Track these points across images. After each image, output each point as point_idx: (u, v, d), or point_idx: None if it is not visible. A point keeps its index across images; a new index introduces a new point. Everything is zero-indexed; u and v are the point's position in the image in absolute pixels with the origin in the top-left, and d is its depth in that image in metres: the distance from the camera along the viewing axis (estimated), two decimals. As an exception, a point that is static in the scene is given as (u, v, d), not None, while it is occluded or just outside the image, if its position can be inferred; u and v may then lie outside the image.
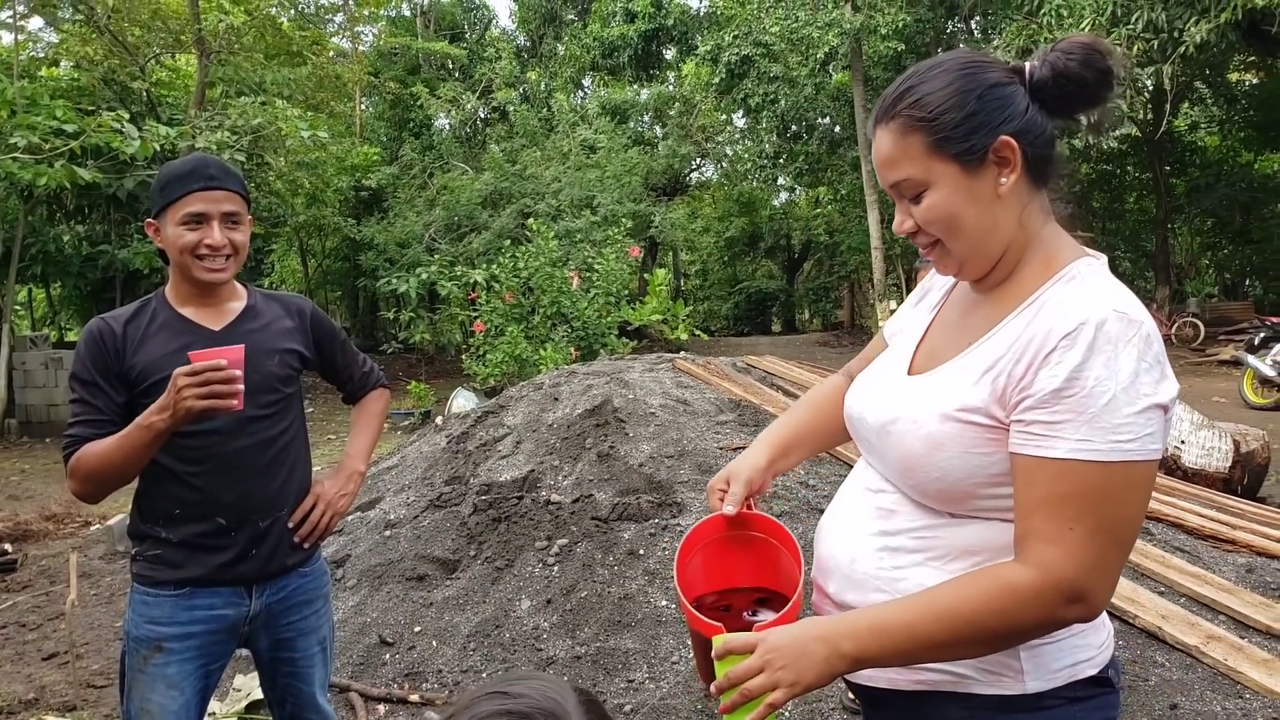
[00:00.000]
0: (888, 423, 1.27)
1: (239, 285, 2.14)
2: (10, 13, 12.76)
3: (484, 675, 3.57)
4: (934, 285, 1.44)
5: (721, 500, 1.45)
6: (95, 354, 1.96)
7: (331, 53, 18.21)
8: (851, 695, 3.16)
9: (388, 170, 17.89)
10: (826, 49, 15.63)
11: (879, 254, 17.50)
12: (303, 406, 2.20)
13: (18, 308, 18.83)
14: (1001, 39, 14.33)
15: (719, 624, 1.22)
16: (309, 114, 13.99)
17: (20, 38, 13.15)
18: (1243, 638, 3.33)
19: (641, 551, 4.03)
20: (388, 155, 18.86)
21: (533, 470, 4.79)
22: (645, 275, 15.51)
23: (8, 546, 6.46)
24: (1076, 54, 1.17)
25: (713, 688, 1.17)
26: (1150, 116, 16.65)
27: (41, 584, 5.68)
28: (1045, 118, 1.20)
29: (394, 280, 13.75)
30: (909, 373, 1.32)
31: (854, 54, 16.46)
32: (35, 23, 14.85)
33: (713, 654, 1.16)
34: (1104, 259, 1.23)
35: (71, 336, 21.34)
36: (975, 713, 1.21)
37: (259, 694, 3.69)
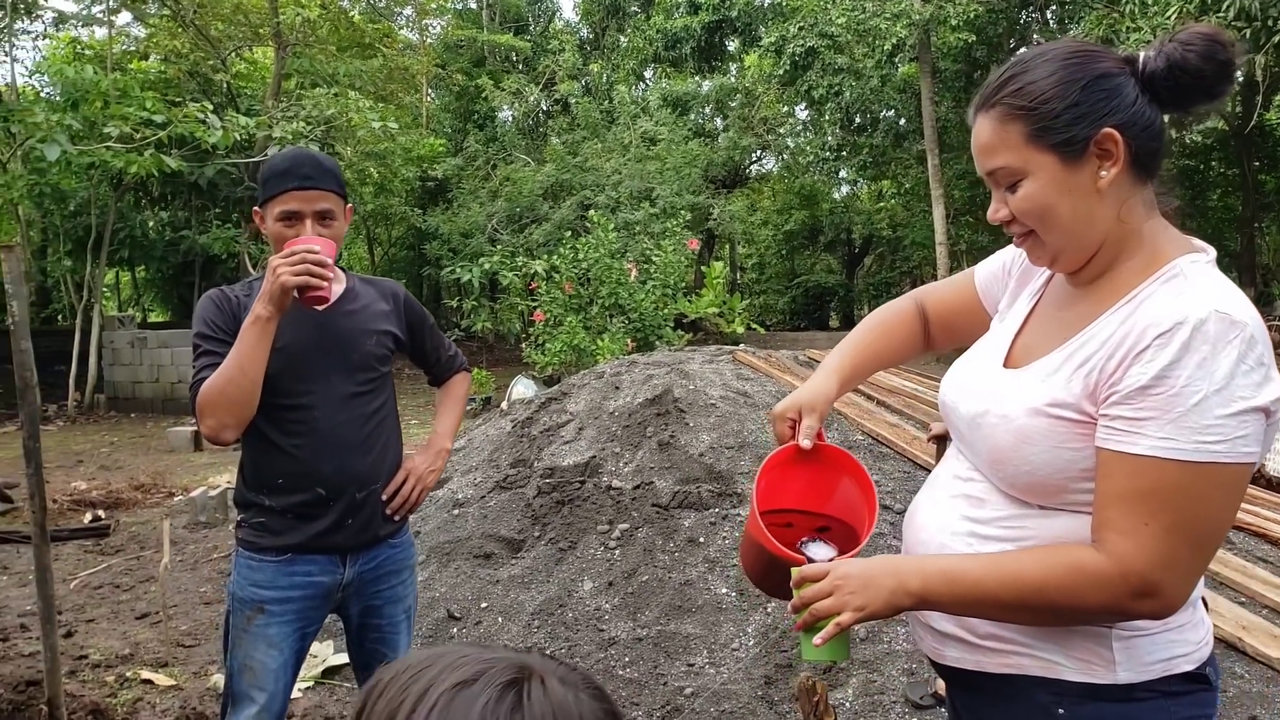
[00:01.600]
0: (979, 414, 1.29)
1: (339, 270, 2.28)
2: (102, 7, 13.34)
3: (547, 652, 3.74)
4: (1030, 276, 1.42)
5: (790, 430, 1.47)
6: (216, 312, 2.11)
7: (400, 45, 18.61)
8: (919, 694, 3.22)
9: (452, 161, 18.21)
10: (894, 40, 15.45)
11: (943, 249, 17.29)
12: (394, 387, 2.36)
13: (105, 290, 19.65)
14: (1080, 29, 14.01)
15: (799, 556, 1.35)
16: (379, 105, 14.35)
17: (112, 33, 13.74)
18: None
19: (702, 539, 4.15)
20: (453, 147, 19.17)
21: (594, 456, 4.94)
22: (702, 268, 15.58)
23: (101, 513, 6.85)
24: (1196, 46, 1.14)
25: (789, 607, 1.30)
26: (1239, 109, 16.12)
27: (132, 549, 6.01)
28: (1155, 110, 1.18)
29: (457, 269, 14.05)
30: (1005, 365, 1.32)
31: (922, 45, 16.26)
32: (123, 17, 15.47)
33: (791, 582, 1.29)
34: (1211, 254, 1.21)
35: (154, 317, 22.14)
36: (1063, 699, 1.22)
37: (334, 660, 3.91)
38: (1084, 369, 1.17)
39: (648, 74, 23.14)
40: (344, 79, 15.04)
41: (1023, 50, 1.29)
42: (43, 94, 13.66)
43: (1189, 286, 1.13)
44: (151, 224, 14.61)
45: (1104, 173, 1.17)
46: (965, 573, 1.20)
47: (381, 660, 2.33)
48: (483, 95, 18.68)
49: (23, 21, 13.48)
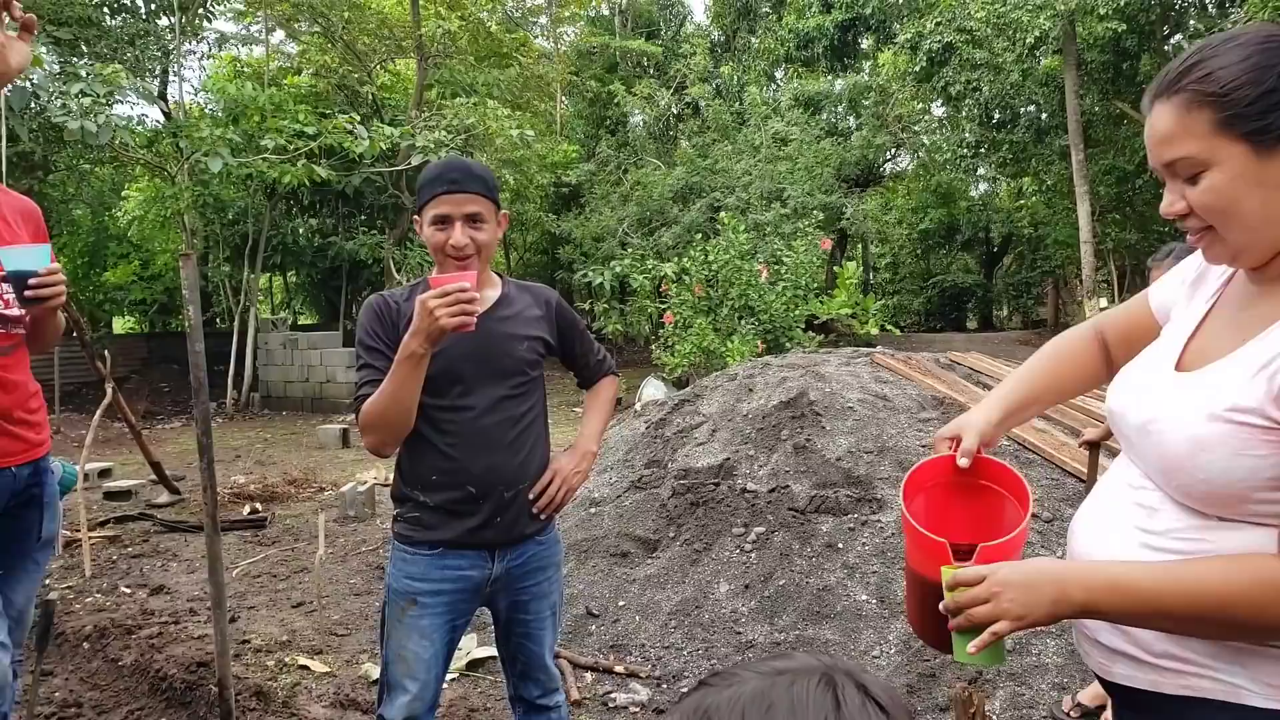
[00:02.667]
0: (1148, 421, 1.22)
1: (495, 275, 2.35)
2: (259, 27, 14.21)
3: (685, 652, 3.74)
4: (1210, 271, 1.36)
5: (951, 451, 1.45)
6: (377, 322, 2.20)
7: (536, 53, 19.05)
8: (1065, 708, 3.09)
9: (585, 167, 18.51)
10: (1037, 33, 14.80)
11: (1089, 248, 16.43)
12: (544, 390, 2.40)
13: (260, 294, 20.91)
14: (1244, 12, 13.08)
15: (947, 555, 1.27)
16: (515, 113, 14.74)
17: (269, 51, 14.64)
18: None
19: (840, 545, 4.07)
20: (585, 152, 19.50)
21: (728, 458, 4.91)
22: (834, 268, 15.32)
23: (259, 506, 7.26)
24: None
25: (941, 606, 1.23)
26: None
27: (287, 540, 6.34)
28: None
29: (589, 273, 14.26)
30: (1177, 368, 1.26)
31: (1067, 37, 15.51)
32: (277, 35, 16.46)
33: (944, 583, 1.23)
34: None
35: (304, 320, 23.39)
36: None
37: (479, 653, 4.02)
38: (1266, 371, 1.10)
39: (779, 74, 22.93)
40: (482, 88, 15.52)
41: (1210, 36, 1.20)
42: (206, 110, 14.63)
43: None
44: (302, 231, 15.44)
45: None
46: (1135, 583, 1.13)
47: (528, 655, 2.39)
48: (615, 101, 18.91)
49: (189, 43, 14.52)
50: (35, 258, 2.22)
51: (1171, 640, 1.17)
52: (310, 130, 11.69)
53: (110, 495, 7.67)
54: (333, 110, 13.63)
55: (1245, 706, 1.13)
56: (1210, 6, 16.97)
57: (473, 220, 2.15)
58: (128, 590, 5.13)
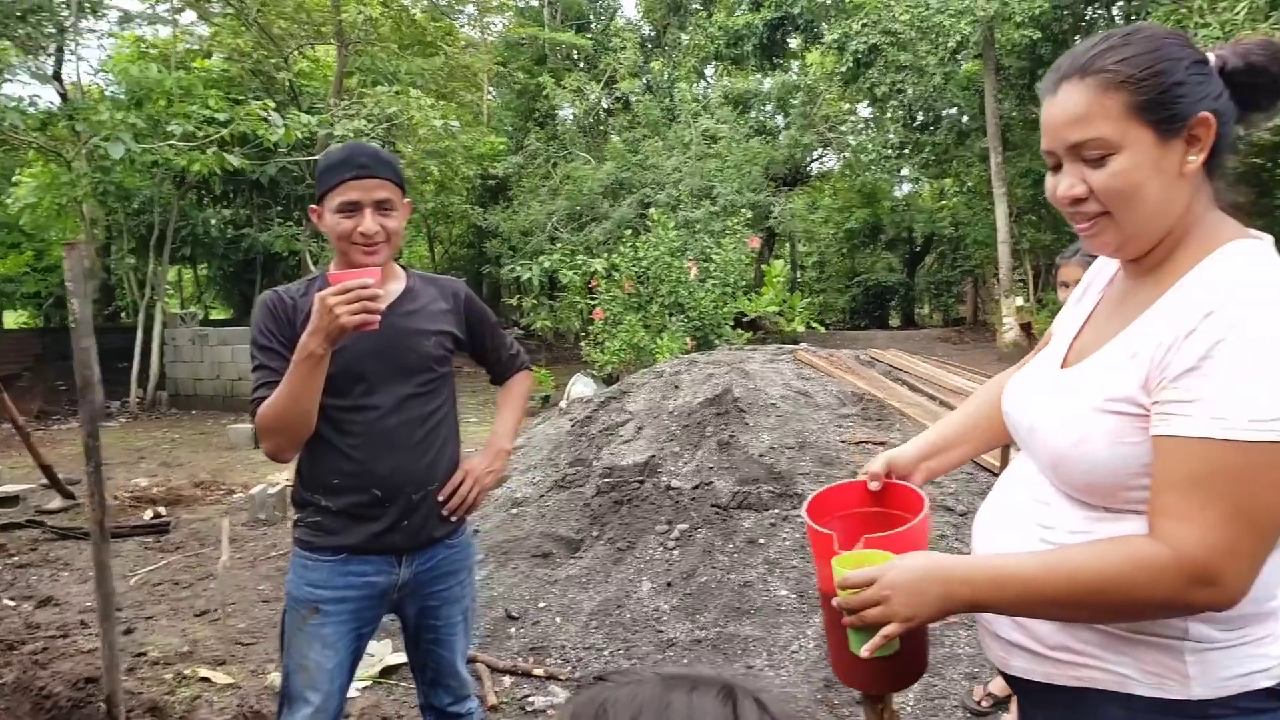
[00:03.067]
0: (1034, 419, 1.26)
1: (398, 267, 2.24)
2: (167, 6, 13.63)
3: (605, 653, 3.66)
4: (1095, 281, 1.40)
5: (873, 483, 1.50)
6: (271, 320, 2.09)
7: (462, 43, 18.72)
8: (976, 698, 3.13)
9: (513, 159, 18.28)
10: (958, 37, 15.13)
11: (1006, 248, 16.88)
12: (454, 387, 2.30)
13: (169, 287, 20.14)
14: (1148, 22, 13.59)
15: (834, 548, 1.29)
16: (440, 104, 14.44)
17: (176, 32, 14.04)
18: None
19: (762, 540, 4.04)
20: (513, 145, 19.25)
21: (653, 456, 4.86)
22: (762, 266, 15.41)
23: (162, 510, 6.94)
24: (1262, 51, 1.17)
25: (834, 603, 1.26)
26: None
27: (192, 546, 6.07)
28: (1232, 107, 1.17)
29: (517, 268, 14.08)
30: (1062, 366, 1.30)
31: (986, 42, 15.90)
32: (187, 16, 15.79)
33: (835, 582, 1.24)
34: (1268, 240, 1.18)
35: (216, 315, 22.63)
36: (1135, 714, 1.17)
37: (391, 660, 3.87)
38: (1137, 359, 1.14)
39: (709, 71, 23.00)
40: (405, 77, 15.17)
41: (1112, 28, 1.24)
42: (107, 93, 13.94)
43: (1237, 268, 1.12)
44: (214, 222, 14.88)
45: (1192, 158, 1.14)
46: (1015, 574, 1.16)
47: (438, 661, 2.31)
48: (544, 93, 18.69)
49: (88, 20, 13.75)
50: None
51: (1065, 632, 1.19)
52: (221, 117, 11.24)
53: (-6, 501, 7.23)
54: (246, 96, 13.14)
55: (1133, 696, 1.16)
56: (1119, 17, 17.58)
57: (382, 207, 2.06)
58: (11, 603, 4.83)
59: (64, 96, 13.82)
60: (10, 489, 7.40)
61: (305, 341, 1.89)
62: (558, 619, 3.90)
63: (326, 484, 2.12)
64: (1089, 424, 1.16)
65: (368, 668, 3.86)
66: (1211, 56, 1.18)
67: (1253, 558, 1.06)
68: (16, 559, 5.71)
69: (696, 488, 4.46)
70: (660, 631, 3.67)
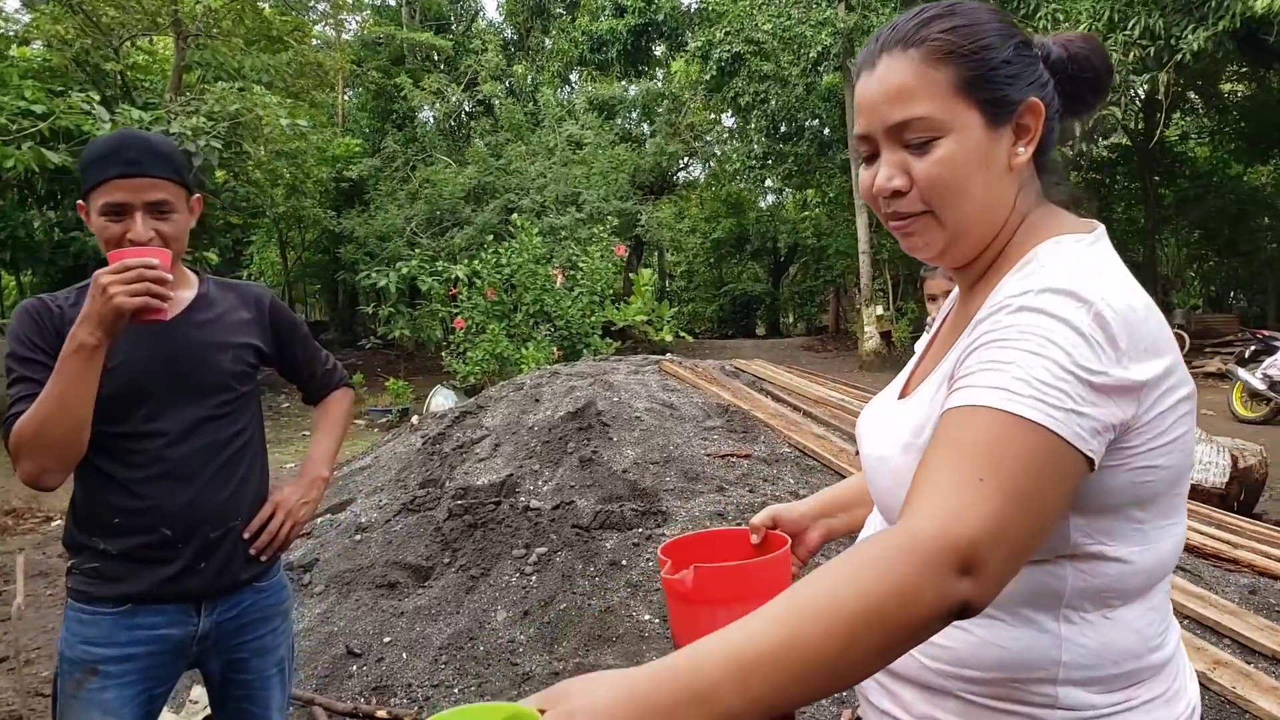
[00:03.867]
0: (868, 455, 1.12)
1: (189, 272, 1.95)
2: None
3: (456, 690, 3.39)
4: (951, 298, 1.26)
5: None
6: (35, 329, 1.77)
7: (314, 40, 17.88)
8: None
9: (369, 162, 17.63)
10: (819, 48, 15.51)
11: (866, 258, 17.39)
12: (259, 406, 2.01)
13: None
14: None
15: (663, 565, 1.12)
16: (289, 102, 13.70)
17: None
18: (1249, 663, 3.19)
19: (624, 562, 3.85)
20: (370, 147, 18.57)
21: (511, 474, 4.61)
22: (630, 275, 15.34)
23: (-37, 542, 6.21)
24: (1084, 44, 1.06)
25: None
26: (1142, 125, 16.64)
27: (-3, 582, 5.44)
28: (1057, 98, 1.05)
29: (373, 274, 13.52)
30: (900, 396, 1.15)
31: (846, 54, 16.36)
32: (10, 2, 14.49)
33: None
34: (1093, 234, 1.02)
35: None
36: None
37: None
38: (946, 384, 0.99)
39: (573, 77, 22.88)
40: (251, 73, 14.33)
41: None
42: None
43: (1037, 268, 0.97)
44: (38, 224, 13.59)
45: (1020, 149, 1.01)
46: (763, 648, 0.75)
47: (251, 720, 2.00)
48: (402, 94, 18.12)
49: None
50: None
51: (930, 702, 1.02)
52: (39, 109, 10.28)
53: None
54: (70, 88, 12.09)
55: None
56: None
57: (157, 209, 1.75)
58: None
59: None
60: None
61: (75, 332, 1.61)
62: (404, 654, 3.59)
63: (105, 524, 1.81)
64: (904, 464, 1.01)
65: (192, 715, 3.47)
66: (1037, 41, 1.05)
67: (1018, 552, 0.83)
68: None
69: (556, 508, 4.23)
70: (515, 665, 3.42)
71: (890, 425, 1.09)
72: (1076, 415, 0.85)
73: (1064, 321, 0.88)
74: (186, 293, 1.90)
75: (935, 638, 0.86)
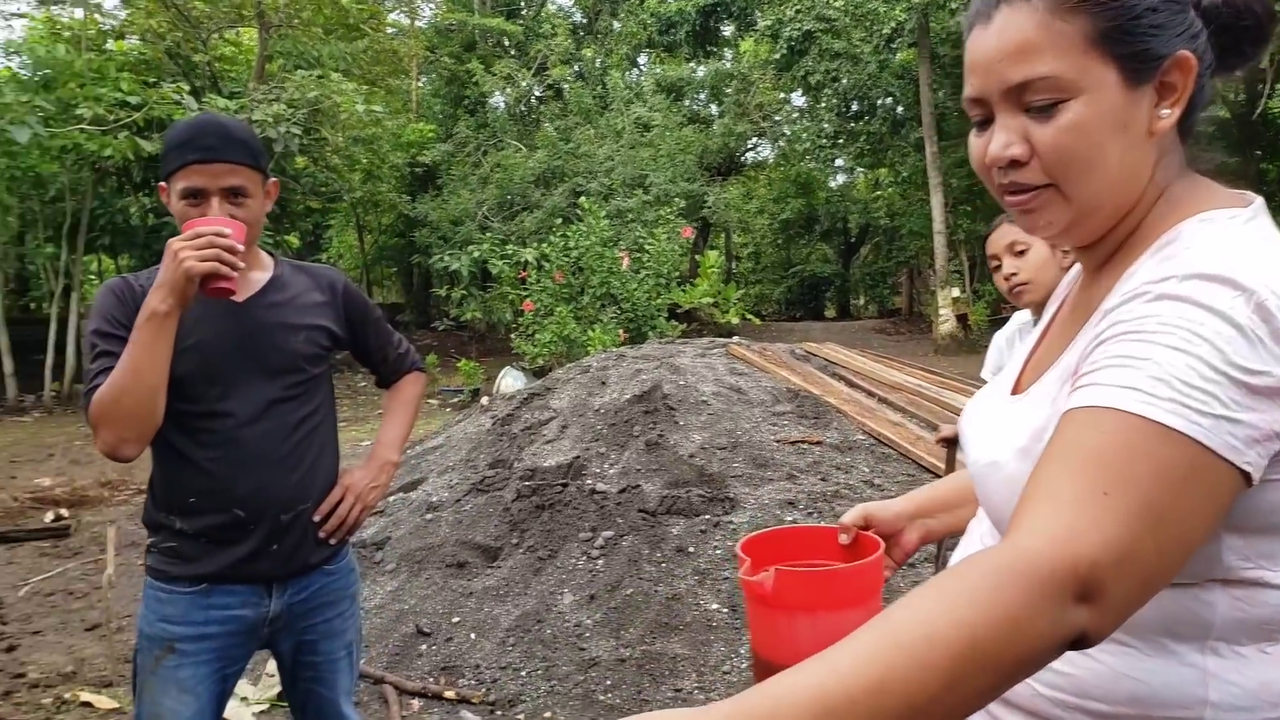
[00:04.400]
0: (977, 459, 1.01)
1: (264, 255, 1.99)
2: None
3: (523, 673, 3.43)
4: (1065, 283, 1.13)
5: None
6: (117, 307, 1.83)
7: (389, 28, 18.15)
8: None
9: (442, 147, 17.85)
10: (892, 24, 15.14)
11: (941, 239, 16.98)
12: (332, 389, 2.05)
13: (92, 277, 19.27)
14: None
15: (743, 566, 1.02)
16: (365, 89, 13.97)
17: (89, 12, 13.32)
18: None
19: (691, 549, 3.84)
20: (443, 132, 18.79)
21: (578, 457, 4.63)
22: (697, 257, 15.27)
23: (64, 511, 6.51)
24: None
25: None
26: (1243, 96, 15.83)
27: (92, 551, 5.68)
28: (1210, 51, 0.89)
29: (446, 258, 13.72)
30: (1013, 391, 1.02)
31: (920, 30, 15.94)
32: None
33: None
34: (1250, 208, 0.89)
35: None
36: None
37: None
38: (1070, 381, 0.86)
39: (641, 59, 22.76)
40: (329, 61, 14.63)
41: None
42: (18, 74, 13.20)
43: (1181, 249, 0.83)
44: (134, 210, 14.13)
45: (1164, 112, 0.87)
46: (847, 691, 0.65)
47: (319, 702, 2.07)
48: (473, 80, 18.27)
49: (-1, 0, 13.02)
50: None
51: None
52: (134, 100, 10.66)
53: None
54: (162, 80, 12.52)
55: None
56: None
57: (234, 195, 1.79)
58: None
59: (-31, 79, 13.04)
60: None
61: (148, 301, 1.67)
62: (472, 635, 3.65)
63: (181, 504, 1.86)
64: (1019, 471, 0.87)
65: (268, 689, 3.58)
66: None
67: (1149, 581, 0.74)
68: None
69: (623, 491, 4.25)
70: (582, 650, 3.44)
71: (1003, 426, 0.98)
72: (1228, 422, 0.74)
73: (1217, 313, 0.76)
74: (261, 275, 1.94)
75: (1054, 663, 0.75)
